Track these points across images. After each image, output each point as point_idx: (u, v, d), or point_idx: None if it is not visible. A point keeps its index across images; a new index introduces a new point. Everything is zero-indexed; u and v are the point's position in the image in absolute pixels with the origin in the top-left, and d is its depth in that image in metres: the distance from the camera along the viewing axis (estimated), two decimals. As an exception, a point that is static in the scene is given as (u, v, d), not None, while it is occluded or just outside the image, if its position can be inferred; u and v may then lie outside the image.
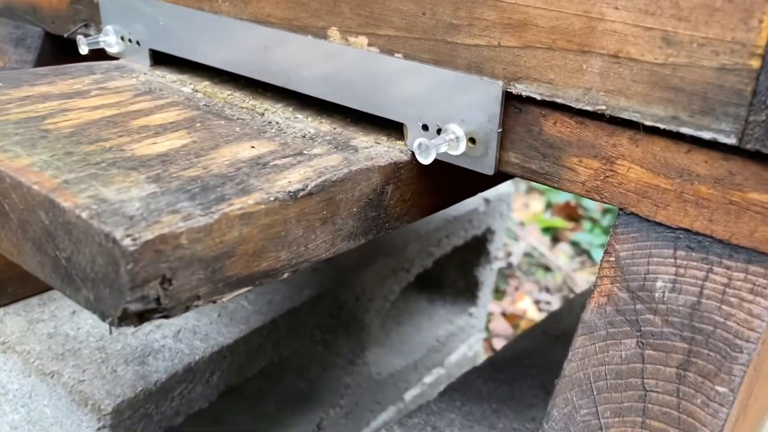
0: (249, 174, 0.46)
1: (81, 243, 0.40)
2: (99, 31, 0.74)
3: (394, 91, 0.53)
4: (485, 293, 1.42)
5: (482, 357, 1.49)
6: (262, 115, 0.58)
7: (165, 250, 0.38)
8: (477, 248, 1.35)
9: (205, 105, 0.59)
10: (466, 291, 1.40)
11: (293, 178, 0.46)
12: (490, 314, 1.74)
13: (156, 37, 0.67)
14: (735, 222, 0.41)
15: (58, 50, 0.81)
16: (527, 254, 2.12)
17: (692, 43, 0.39)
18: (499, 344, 1.73)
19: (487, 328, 1.66)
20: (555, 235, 2.31)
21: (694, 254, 0.43)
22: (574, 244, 2.27)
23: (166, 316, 0.40)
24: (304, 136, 0.54)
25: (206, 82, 0.65)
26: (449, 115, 0.50)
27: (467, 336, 1.43)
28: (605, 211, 2.42)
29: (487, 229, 1.32)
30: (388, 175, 0.52)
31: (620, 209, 0.45)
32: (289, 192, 0.45)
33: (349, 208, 0.49)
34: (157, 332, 0.85)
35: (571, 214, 2.40)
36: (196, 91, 0.63)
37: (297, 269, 0.47)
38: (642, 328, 0.43)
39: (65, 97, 0.58)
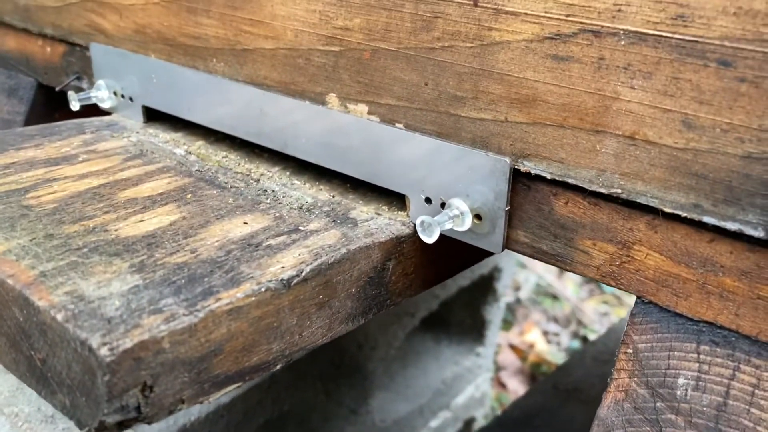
0: (240, 258, 0.43)
1: (56, 346, 0.37)
2: (92, 83, 0.71)
3: (395, 162, 0.50)
4: (493, 332, 1.38)
5: (490, 397, 1.46)
6: (258, 181, 0.55)
7: (145, 357, 0.35)
8: (484, 287, 1.31)
9: (198, 170, 0.57)
10: (473, 330, 1.37)
11: (287, 263, 0.43)
12: (497, 346, 1.70)
13: (149, 94, 0.64)
14: (764, 318, 0.38)
15: (51, 101, 0.79)
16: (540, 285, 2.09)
17: (715, 128, 0.36)
18: (507, 378, 1.69)
19: (494, 362, 1.62)
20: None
21: (719, 350, 0.39)
22: (582, 273, 2.22)
23: (149, 423, 0.37)
24: (300, 207, 0.51)
25: (200, 142, 0.62)
26: (453, 189, 0.47)
27: (474, 376, 1.39)
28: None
29: (494, 268, 1.29)
30: (389, 250, 0.49)
31: (638, 297, 0.42)
32: (282, 280, 0.42)
33: (347, 290, 0.46)
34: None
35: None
36: (190, 153, 0.60)
37: (291, 359, 0.44)
38: (663, 429, 0.40)
39: (52, 164, 0.55)
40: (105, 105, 0.68)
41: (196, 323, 0.37)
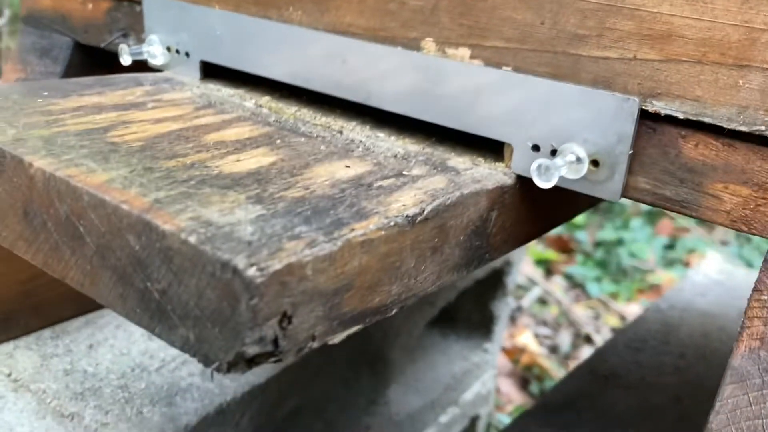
0: (357, 196, 0.41)
1: (185, 273, 0.33)
2: (139, 41, 0.68)
3: (498, 108, 0.48)
4: (500, 328, 1.37)
5: (494, 394, 1.44)
6: (341, 132, 0.53)
7: (290, 282, 0.32)
8: (494, 281, 1.30)
9: (276, 121, 0.54)
10: (481, 326, 1.35)
11: (407, 202, 0.41)
12: (492, 347, 1.69)
13: (209, 48, 0.61)
14: None
15: (88, 62, 0.75)
16: (521, 287, 2.08)
17: None
18: (501, 382, 1.67)
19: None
20: (548, 268, 2.28)
21: None
22: (568, 277, 2.24)
23: (279, 360, 0.34)
24: (395, 156, 0.49)
25: (267, 97, 0.60)
26: (567, 134, 0.45)
27: (481, 372, 1.37)
28: (598, 245, 2.40)
29: (505, 262, 1.28)
30: (494, 199, 0.46)
31: (773, 242, 0.41)
32: (408, 216, 0.39)
33: (457, 236, 0.44)
34: (183, 369, 0.78)
35: (564, 246, 2.37)
36: (260, 106, 0.57)
37: (404, 305, 0.42)
38: (806, 376, 0.39)
39: (121, 109, 0.52)
40: (157, 62, 0.65)
41: (335, 251, 0.35)
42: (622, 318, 2.02)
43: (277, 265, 0.32)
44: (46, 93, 0.54)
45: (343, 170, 0.45)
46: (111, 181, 0.39)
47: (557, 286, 2.18)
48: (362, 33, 0.53)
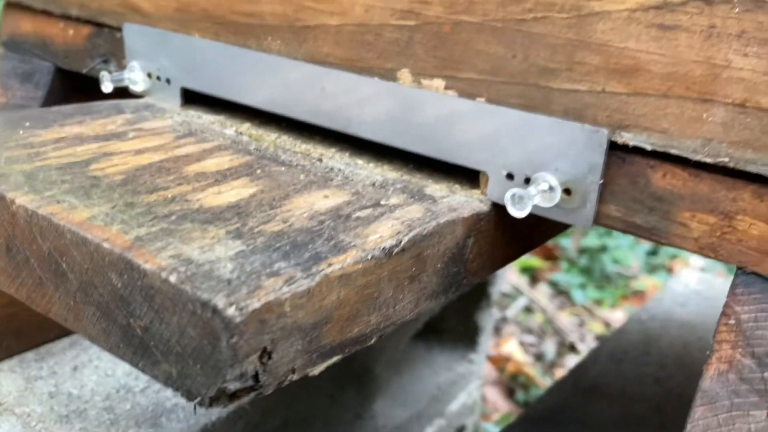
0: (335, 228, 0.42)
1: (166, 311, 0.34)
2: (120, 67, 0.69)
3: (473, 137, 0.49)
4: (485, 338, 1.38)
5: (479, 404, 1.45)
6: (320, 160, 0.54)
7: (269, 319, 0.33)
8: (478, 292, 1.31)
9: (256, 149, 0.55)
10: (465, 337, 1.36)
11: (384, 233, 0.42)
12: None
13: (190, 75, 0.62)
14: None
15: (69, 86, 0.76)
16: (506, 295, 2.10)
17: (835, 93, 0.37)
18: (487, 390, 1.69)
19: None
20: (533, 275, 2.30)
21: (826, 318, 0.40)
22: (553, 285, 2.25)
23: (260, 394, 0.35)
24: (373, 185, 0.50)
25: (247, 124, 0.60)
26: (540, 163, 0.46)
27: (467, 383, 1.38)
28: (582, 251, 2.42)
29: (489, 273, 1.28)
30: (470, 227, 0.48)
31: (739, 268, 0.42)
32: (384, 249, 0.40)
33: (434, 264, 0.45)
34: (168, 390, 0.78)
35: (548, 254, 2.39)
36: (240, 133, 0.58)
37: (383, 334, 0.43)
38: (771, 399, 0.40)
39: (102, 139, 0.53)
40: (137, 88, 0.66)
41: (313, 287, 0.36)
42: (607, 324, 2.04)
43: (255, 303, 0.33)
44: (27, 123, 0.54)
45: (321, 201, 0.46)
46: (93, 218, 0.39)
47: (542, 293, 2.20)
48: (340, 63, 0.54)
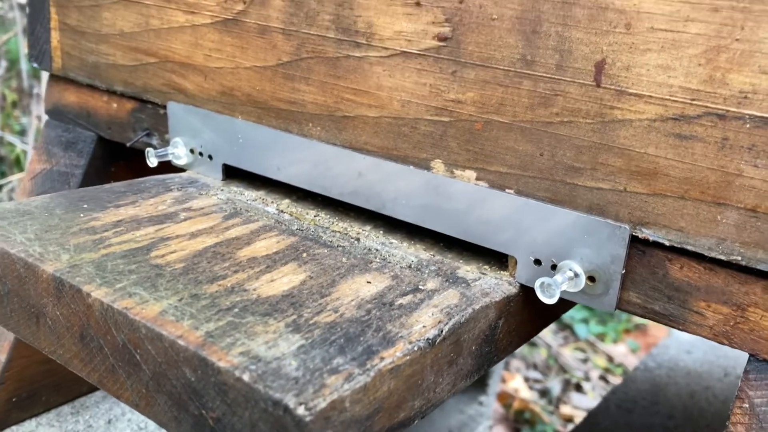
0: (381, 318, 0.45)
1: (238, 406, 0.38)
2: (162, 140, 0.73)
3: (502, 224, 0.53)
4: (495, 380, 1.41)
5: (489, 446, 1.47)
6: (358, 240, 0.58)
7: (332, 416, 0.37)
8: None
9: (299, 229, 0.59)
10: (476, 380, 1.38)
11: (426, 322, 0.46)
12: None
13: (232, 153, 0.66)
14: None
15: (109, 154, 0.80)
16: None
17: (837, 204, 0.41)
18: (495, 429, 1.71)
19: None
20: (538, 310, 2.32)
21: (832, 404, 0.43)
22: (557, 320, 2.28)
23: (320, 481, 0.39)
24: (409, 267, 0.54)
25: (287, 201, 0.65)
26: (565, 252, 0.50)
27: (477, 425, 1.41)
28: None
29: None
30: (501, 309, 0.51)
31: (751, 355, 0.46)
32: (428, 339, 0.44)
33: (469, 347, 0.49)
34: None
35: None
36: (282, 211, 0.62)
37: (424, 415, 0.47)
38: (783, 478, 0.44)
39: (156, 222, 0.57)
40: (180, 162, 0.70)
41: (369, 382, 0.39)
42: (610, 359, 2.07)
43: (322, 403, 0.36)
44: (85, 206, 0.58)
45: (365, 287, 0.50)
46: (164, 312, 0.43)
47: (546, 328, 2.22)
48: (377, 151, 0.58)
